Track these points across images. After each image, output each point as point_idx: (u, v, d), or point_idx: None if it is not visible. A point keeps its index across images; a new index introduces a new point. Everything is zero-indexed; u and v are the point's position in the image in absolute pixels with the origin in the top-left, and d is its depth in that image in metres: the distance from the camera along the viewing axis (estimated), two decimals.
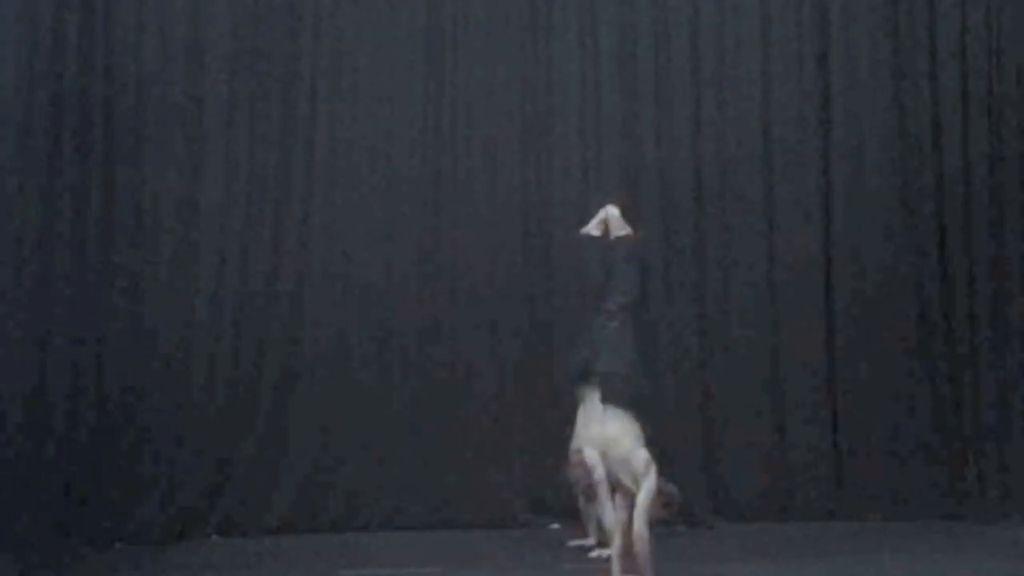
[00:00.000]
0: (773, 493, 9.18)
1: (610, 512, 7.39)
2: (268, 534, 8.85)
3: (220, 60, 9.31)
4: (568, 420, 8.06)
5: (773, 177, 9.49)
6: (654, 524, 6.48)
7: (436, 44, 9.49)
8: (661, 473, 6.64)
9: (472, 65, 9.50)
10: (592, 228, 8.25)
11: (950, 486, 9.12)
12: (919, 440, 9.19)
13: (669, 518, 7.99)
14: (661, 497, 6.64)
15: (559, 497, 8.64)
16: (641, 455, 6.38)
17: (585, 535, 8.05)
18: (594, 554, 7.75)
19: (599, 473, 7.55)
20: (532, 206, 9.43)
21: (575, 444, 7.87)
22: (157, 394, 8.93)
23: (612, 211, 8.24)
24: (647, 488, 6.30)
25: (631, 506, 6.38)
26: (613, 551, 6.65)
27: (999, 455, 9.11)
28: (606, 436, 6.69)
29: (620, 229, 8.15)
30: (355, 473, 9.08)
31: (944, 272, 9.36)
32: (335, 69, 9.44)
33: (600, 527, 7.71)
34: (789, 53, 9.60)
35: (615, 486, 6.52)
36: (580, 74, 9.54)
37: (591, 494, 7.77)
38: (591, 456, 7.62)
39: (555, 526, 8.88)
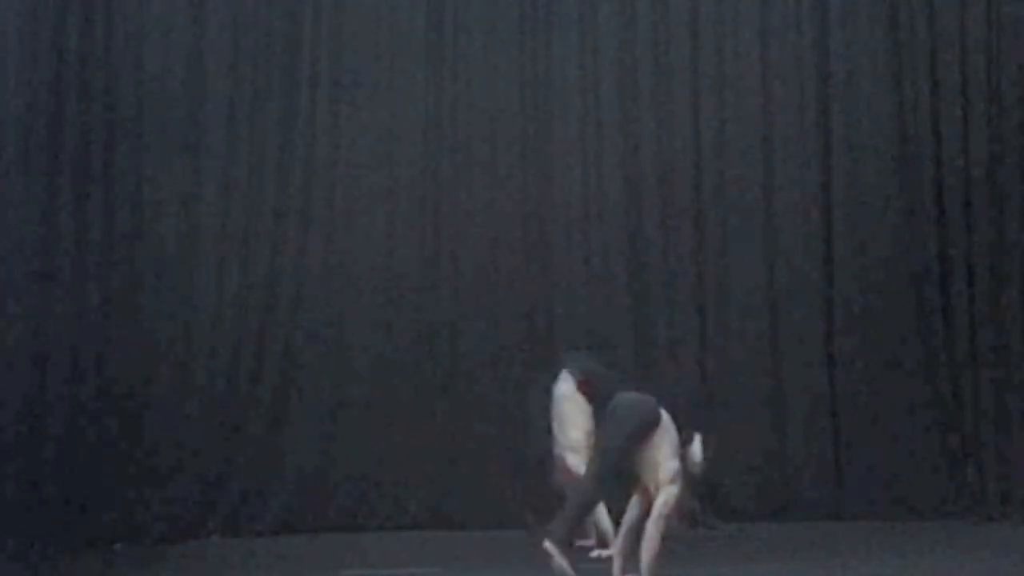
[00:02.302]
0: (773, 493, 9.19)
1: (604, 514, 7.38)
2: (268, 534, 8.85)
3: (220, 60, 9.32)
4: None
5: (773, 177, 9.49)
6: (666, 533, 6.47)
7: (436, 44, 9.49)
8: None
9: (472, 65, 9.50)
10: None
11: (950, 486, 9.12)
12: (919, 440, 9.18)
13: (678, 528, 7.92)
14: (679, 510, 6.62)
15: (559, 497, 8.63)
16: (672, 465, 6.37)
17: (585, 535, 8.04)
18: (594, 554, 7.74)
19: None
20: (532, 206, 9.43)
21: (556, 450, 7.85)
22: (157, 394, 8.94)
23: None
24: (667, 496, 6.30)
25: (644, 508, 6.36)
26: (616, 550, 6.65)
27: (999, 455, 9.11)
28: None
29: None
30: (355, 473, 9.08)
31: (944, 272, 9.36)
32: (335, 69, 9.44)
33: (597, 529, 7.70)
34: (789, 53, 9.60)
35: (635, 485, 6.50)
36: (580, 75, 9.54)
37: None
38: (573, 461, 7.63)
39: None
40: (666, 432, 6.41)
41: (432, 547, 8.39)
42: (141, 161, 9.10)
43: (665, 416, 6.47)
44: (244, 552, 8.39)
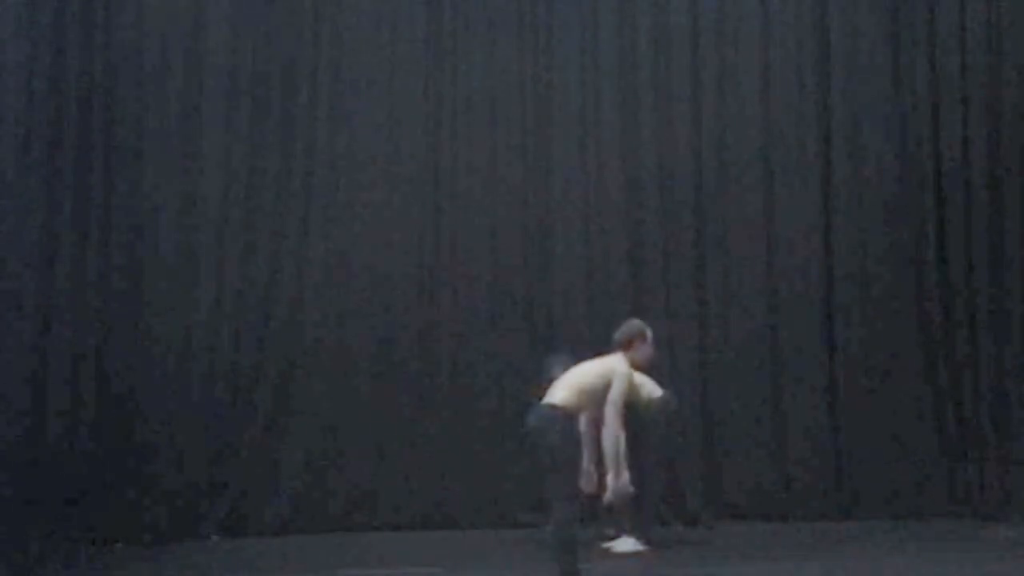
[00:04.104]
0: (773, 493, 9.19)
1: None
2: (268, 534, 8.86)
3: (220, 60, 9.32)
4: None
5: (773, 177, 9.50)
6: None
7: (436, 46, 9.51)
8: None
9: (472, 66, 9.51)
10: None
11: (950, 486, 9.13)
12: (919, 440, 9.20)
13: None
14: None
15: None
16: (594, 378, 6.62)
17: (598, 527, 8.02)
18: (606, 544, 7.75)
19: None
20: (532, 206, 9.43)
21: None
22: (157, 394, 8.93)
23: None
24: (617, 384, 6.57)
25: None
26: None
27: (999, 455, 9.11)
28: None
29: None
30: (355, 473, 9.08)
31: (944, 272, 9.36)
32: (335, 70, 9.45)
33: (608, 511, 7.67)
34: (789, 53, 9.61)
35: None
36: (580, 76, 9.55)
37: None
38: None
39: None
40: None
41: (432, 547, 8.39)
42: (141, 162, 9.10)
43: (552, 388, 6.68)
44: (244, 552, 8.39)
